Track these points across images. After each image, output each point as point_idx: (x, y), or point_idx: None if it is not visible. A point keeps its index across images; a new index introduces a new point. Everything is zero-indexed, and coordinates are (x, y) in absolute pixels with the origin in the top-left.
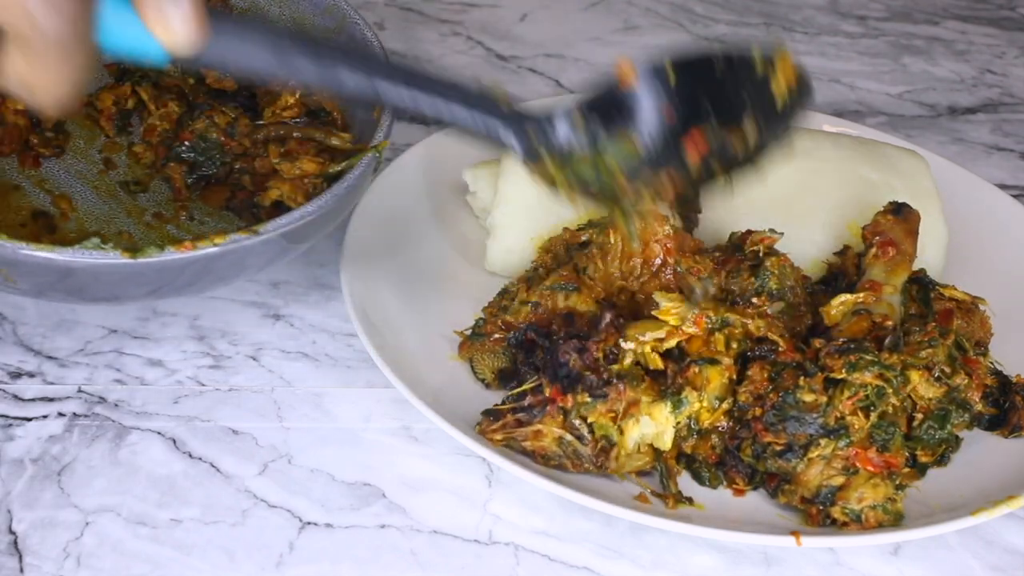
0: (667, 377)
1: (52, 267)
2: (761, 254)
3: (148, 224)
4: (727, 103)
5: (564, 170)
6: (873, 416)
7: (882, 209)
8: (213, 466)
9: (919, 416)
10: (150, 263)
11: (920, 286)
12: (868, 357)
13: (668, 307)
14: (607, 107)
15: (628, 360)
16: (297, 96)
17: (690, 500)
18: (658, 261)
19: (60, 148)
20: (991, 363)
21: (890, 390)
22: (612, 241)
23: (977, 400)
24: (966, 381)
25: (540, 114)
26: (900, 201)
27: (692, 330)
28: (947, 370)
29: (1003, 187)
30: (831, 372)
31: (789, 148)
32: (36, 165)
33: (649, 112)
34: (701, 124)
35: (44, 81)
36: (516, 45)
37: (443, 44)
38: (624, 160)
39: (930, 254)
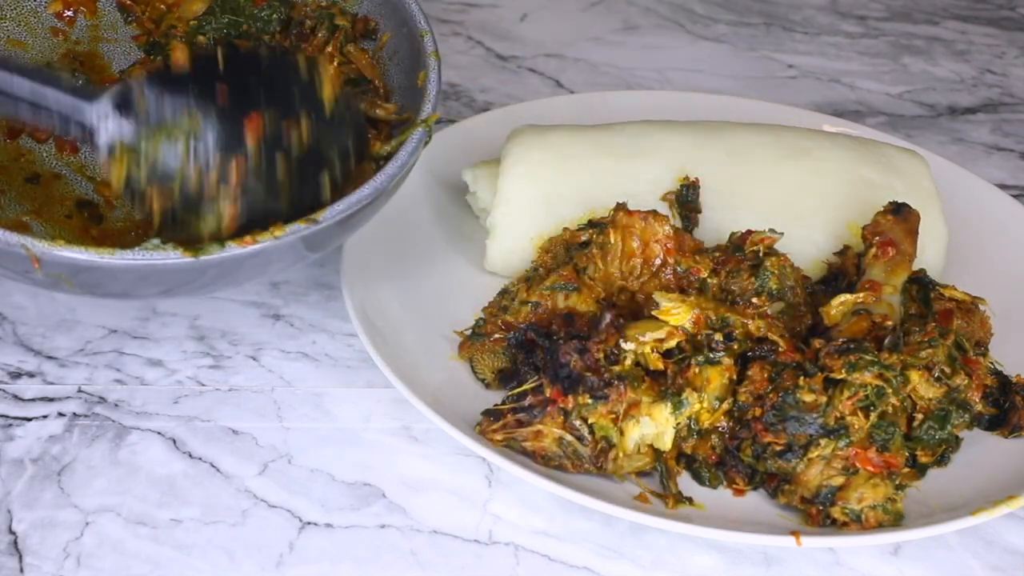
0: (667, 378)
1: (114, 270)
2: (761, 254)
3: None
4: (279, 96)
5: (130, 154)
6: (873, 416)
7: (882, 209)
8: (213, 466)
9: (919, 416)
10: (211, 260)
11: (920, 286)
12: (868, 357)
13: (668, 307)
14: (162, 86)
15: (629, 361)
16: (336, 64)
17: (690, 500)
18: (658, 261)
19: None
20: (991, 363)
21: (890, 390)
22: (612, 241)
23: (977, 400)
24: (966, 381)
25: (98, 98)
26: (900, 201)
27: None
28: (947, 370)
29: (1003, 187)
30: (831, 372)
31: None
32: (74, 151)
33: (205, 90)
34: (259, 109)
35: None
36: (516, 45)
37: (443, 44)
38: (189, 136)
39: (930, 254)
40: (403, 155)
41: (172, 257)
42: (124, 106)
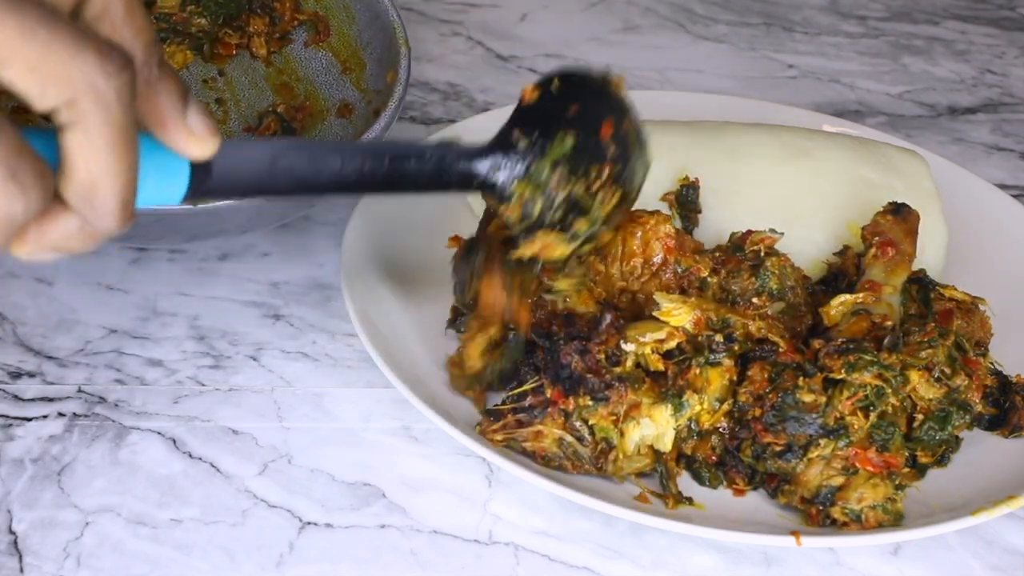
0: (667, 379)
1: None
2: (761, 254)
3: None
4: (599, 103)
5: (532, 189)
6: (873, 416)
7: (881, 209)
8: (213, 466)
9: (919, 417)
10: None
11: (920, 286)
12: (867, 357)
13: (669, 308)
14: (526, 122)
15: (630, 362)
16: None
17: (690, 500)
18: (658, 260)
19: None
20: (991, 363)
21: (889, 390)
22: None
23: (977, 401)
24: (966, 382)
25: (484, 149)
26: (900, 201)
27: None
28: (947, 371)
29: (1003, 187)
30: (830, 372)
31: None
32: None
33: (559, 113)
34: (607, 117)
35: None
36: (516, 45)
37: (443, 44)
38: (564, 155)
39: (930, 254)
40: (376, 128)
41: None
42: (508, 148)
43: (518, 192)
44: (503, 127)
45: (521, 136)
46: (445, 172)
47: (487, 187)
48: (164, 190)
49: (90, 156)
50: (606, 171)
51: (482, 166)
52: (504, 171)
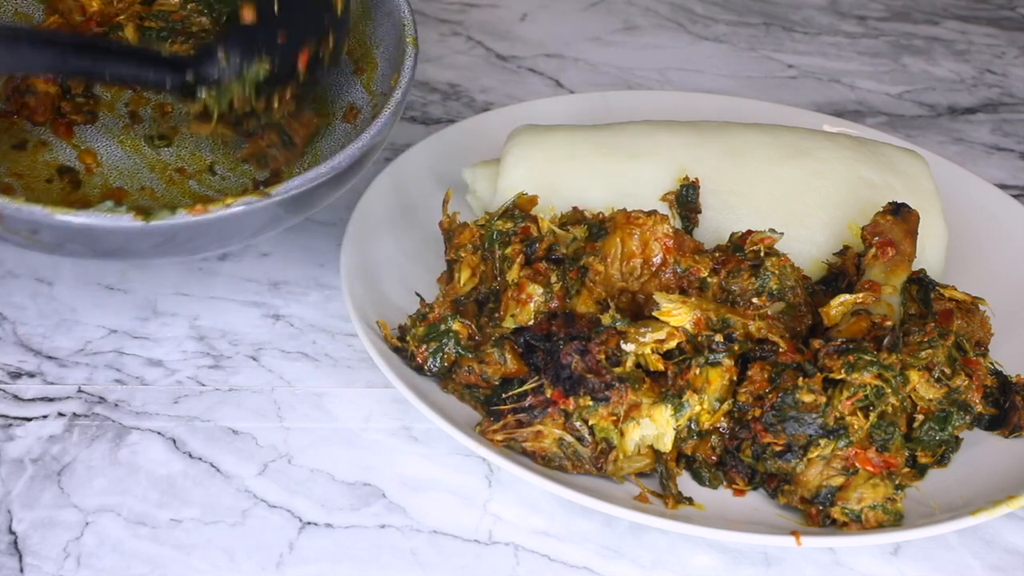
0: (667, 379)
1: (70, 228)
2: (761, 254)
3: (171, 179)
4: (317, 24)
5: (218, 99)
6: (872, 416)
7: (881, 209)
8: (213, 466)
9: (919, 417)
10: (160, 226)
11: (920, 286)
12: (867, 357)
13: (669, 308)
14: (237, 39)
15: (630, 362)
16: None
17: (690, 500)
18: (658, 260)
19: (92, 114)
20: (991, 363)
21: (889, 390)
22: (610, 246)
23: (978, 401)
24: (967, 382)
25: (194, 60)
26: (899, 201)
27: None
28: (947, 371)
29: (1003, 187)
30: (830, 372)
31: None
32: (69, 134)
33: (271, 40)
34: (307, 44)
35: None
36: (516, 45)
37: (443, 44)
38: (257, 79)
39: (930, 254)
40: (365, 138)
41: (124, 220)
42: (208, 63)
43: (205, 97)
44: (212, 40)
45: (224, 57)
46: (141, 73)
47: (179, 88)
48: None
49: None
50: (288, 93)
51: (176, 77)
52: (198, 79)
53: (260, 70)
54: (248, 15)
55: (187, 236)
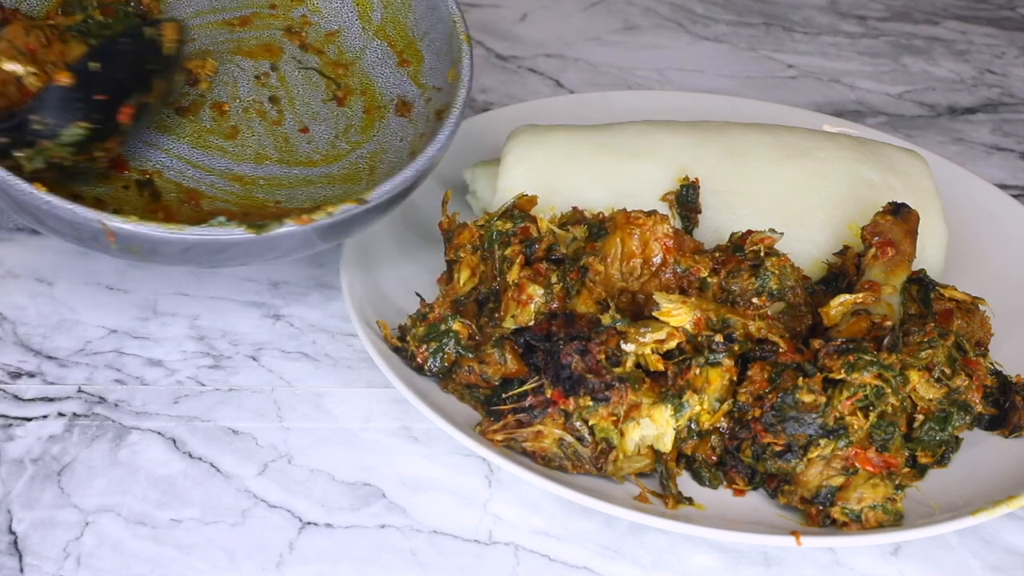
0: (667, 379)
1: (186, 244)
2: (761, 254)
3: (241, 180)
4: (140, 73)
5: (32, 158)
6: (872, 416)
7: (881, 209)
8: (213, 466)
9: (920, 417)
10: (269, 237)
11: (920, 286)
12: (866, 357)
13: (668, 308)
14: (52, 102)
15: (630, 362)
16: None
17: (690, 500)
18: (658, 261)
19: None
20: (991, 363)
21: (889, 390)
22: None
23: (978, 401)
24: (967, 382)
25: (6, 119)
26: (899, 202)
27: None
28: (947, 371)
29: (1003, 187)
30: (830, 372)
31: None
32: (124, 167)
33: (89, 100)
34: (132, 101)
35: None
36: (516, 45)
37: None
38: (76, 139)
39: (930, 254)
40: (441, 138)
41: (236, 233)
42: (23, 128)
43: (20, 156)
44: (28, 104)
45: (38, 123)
46: None
47: None
48: None
49: None
50: (111, 146)
51: None
52: (13, 142)
53: (78, 132)
54: (63, 78)
55: (292, 244)
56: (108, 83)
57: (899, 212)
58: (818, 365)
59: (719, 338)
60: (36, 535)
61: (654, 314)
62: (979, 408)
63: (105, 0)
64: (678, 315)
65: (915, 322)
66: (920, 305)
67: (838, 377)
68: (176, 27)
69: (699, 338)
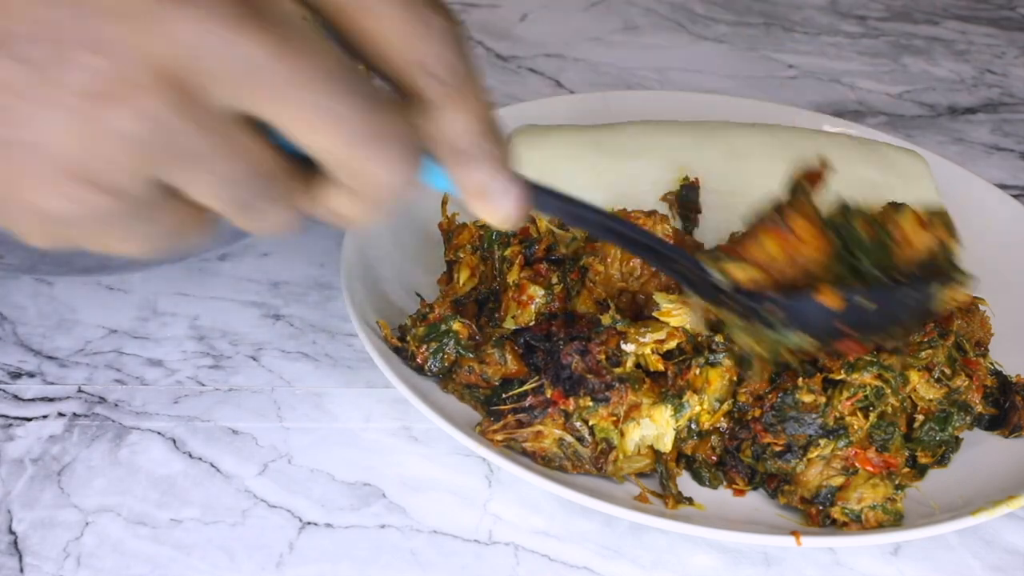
0: (667, 379)
1: (16, 245)
2: None
3: None
4: (891, 324)
5: (739, 331)
6: (872, 417)
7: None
8: (213, 466)
9: (920, 417)
10: None
11: None
12: (866, 358)
13: (668, 308)
14: (795, 306)
15: (630, 363)
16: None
17: (690, 500)
18: None
19: None
20: (991, 364)
21: (889, 391)
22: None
23: (978, 402)
24: (967, 383)
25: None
26: (899, 202)
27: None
28: (947, 371)
29: (1003, 187)
30: (830, 373)
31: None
32: None
33: (828, 327)
34: (865, 342)
35: (360, 218)
36: (516, 45)
37: None
38: (792, 345)
39: None
40: None
41: None
42: (757, 304)
43: (723, 314)
44: (759, 295)
45: (772, 314)
46: (699, 282)
47: (705, 290)
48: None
49: (350, 209)
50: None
51: (713, 291)
52: (733, 302)
53: (798, 341)
54: (831, 299)
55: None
56: (863, 324)
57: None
58: (818, 365)
59: (719, 338)
60: (36, 535)
61: (654, 314)
62: (979, 408)
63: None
64: (678, 315)
65: None
66: None
67: (838, 377)
68: (966, 296)
69: (699, 338)
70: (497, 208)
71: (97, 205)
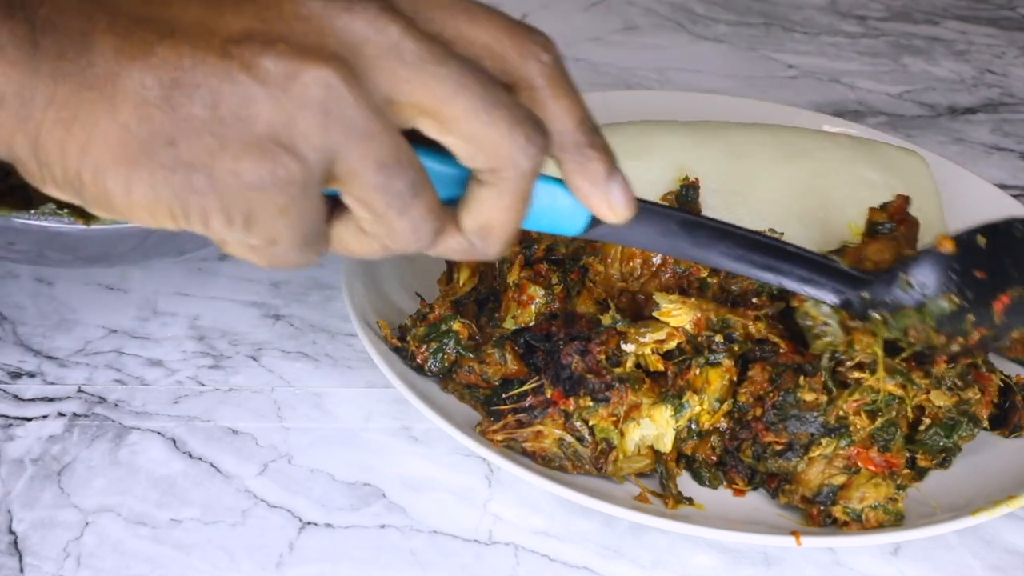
0: (667, 379)
1: (24, 231)
2: None
3: None
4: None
5: (887, 325)
6: (879, 421)
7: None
8: (213, 466)
9: (926, 421)
10: (104, 230)
11: None
12: (896, 364)
13: (668, 308)
14: (927, 266)
15: (630, 363)
16: None
17: (690, 500)
18: (657, 261)
19: None
20: (1000, 377)
21: (907, 399)
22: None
23: (985, 417)
24: (978, 396)
25: (874, 279)
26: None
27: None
28: (959, 383)
29: (1003, 187)
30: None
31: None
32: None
33: (967, 274)
34: (1009, 289)
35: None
36: None
37: None
38: (941, 314)
39: None
40: None
41: (64, 222)
42: (889, 283)
43: (874, 322)
44: (897, 265)
45: (906, 283)
46: (813, 280)
47: (846, 305)
48: (560, 228)
49: (495, 209)
50: (975, 335)
51: (849, 294)
52: (873, 300)
53: (947, 303)
54: (946, 245)
55: (131, 244)
56: (991, 263)
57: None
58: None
59: (719, 338)
60: (36, 535)
61: (654, 314)
62: (985, 424)
63: None
64: (678, 315)
65: None
66: None
67: (854, 377)
68: None
69: (699, 338)
70: (618, 199)
71: (288, 169)
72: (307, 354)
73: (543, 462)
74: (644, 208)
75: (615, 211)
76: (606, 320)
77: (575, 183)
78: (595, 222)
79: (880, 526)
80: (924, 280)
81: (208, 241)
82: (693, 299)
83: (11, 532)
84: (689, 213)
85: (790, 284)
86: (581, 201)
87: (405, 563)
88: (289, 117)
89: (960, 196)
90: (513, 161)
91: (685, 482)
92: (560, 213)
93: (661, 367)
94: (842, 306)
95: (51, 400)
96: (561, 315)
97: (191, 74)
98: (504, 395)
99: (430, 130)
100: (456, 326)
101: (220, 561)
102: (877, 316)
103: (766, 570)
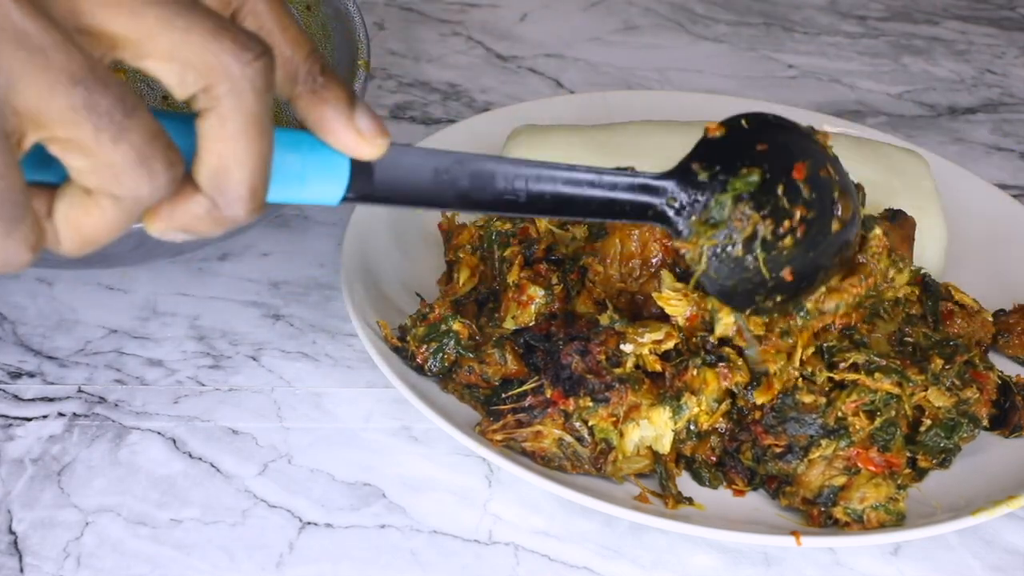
0: (665, 380)
1: None
2: None
3: None
4: (798, 146)
5: (708, 231)
6: (878, 421)
7: (877, 216)
8: (213, 466)
9: (927, 421)
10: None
11: (928, 295)
12: (892, 365)
13: (669, 295)
14: (707, 156)
15: (630, 363)
16: None
17: (690, 500)
18: (657, 261)
19: None
20: (999, 375)
21: (904, 398)
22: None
23: (984, 416)
24: (976, 395)
25: (669, 174)
26: (895, 208)
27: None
28: (958, 383)
29: (1003, 187)
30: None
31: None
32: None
33: (751, 147)
34: (799, 159)
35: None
36: (516, 45)
37: (443, 44)
38: (752, 188)
39: (930, 254)
40: None
41: None
42: (686, 180)
43: (696, 228)
44: (683, 159)
45: (700, 168)
46: (616, 201)
47: (661, 218)
48: (323, 190)
49: (221, 142)
50: (797, 214)
51: (657, 197)
52: (680, 203)
53: (752, 176)
54: (716, 129)
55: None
56: (766, 137)
57: (895, 218)
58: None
59: (714, 338)
60: (36, 535)
61: (653, 294)
62: (985, 423)
63: None
64: (676, 304)
65: (917, 324)
66: (920, 306)
67: (850, 378)
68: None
69: (693, 339)
70: (367, 125)
71: None
72: (307, 354)
73: (543, 462)
74: (409, 148)
75: (367, 138)
76: (604, 320)
77: (315, 117)
78: (356, 178)
79: (881, 526)
80: (715, 162)
81: (208, 241)
82: (695, 295)
83: (11, 532)
84: (458, 153)
85: (600, 216)
86: (326, 138)
87: (405, 563)
88: None
89: (960, 196)
90: (226, 71)
91: (685, 482)
92: (314, 171)
93: (659, 368)
94: (659, 221)
95: (51, 400)
96: (561, 315)
97: None
98: (504, 395)
99: (129, 58)
100: (456, 326)
101: (220, 561)
102: (695, 222)
103: (766, 570)
